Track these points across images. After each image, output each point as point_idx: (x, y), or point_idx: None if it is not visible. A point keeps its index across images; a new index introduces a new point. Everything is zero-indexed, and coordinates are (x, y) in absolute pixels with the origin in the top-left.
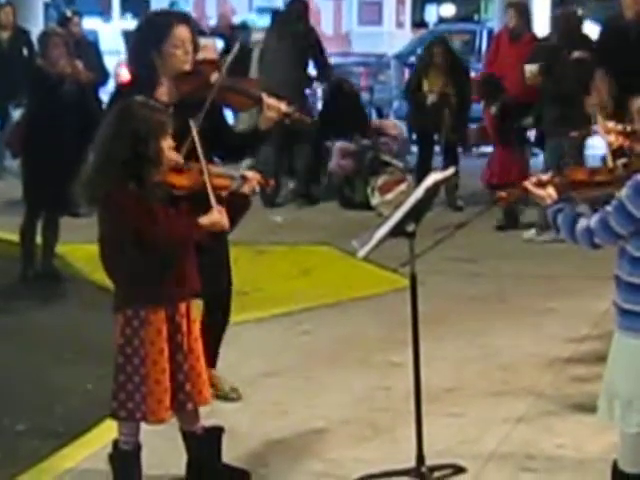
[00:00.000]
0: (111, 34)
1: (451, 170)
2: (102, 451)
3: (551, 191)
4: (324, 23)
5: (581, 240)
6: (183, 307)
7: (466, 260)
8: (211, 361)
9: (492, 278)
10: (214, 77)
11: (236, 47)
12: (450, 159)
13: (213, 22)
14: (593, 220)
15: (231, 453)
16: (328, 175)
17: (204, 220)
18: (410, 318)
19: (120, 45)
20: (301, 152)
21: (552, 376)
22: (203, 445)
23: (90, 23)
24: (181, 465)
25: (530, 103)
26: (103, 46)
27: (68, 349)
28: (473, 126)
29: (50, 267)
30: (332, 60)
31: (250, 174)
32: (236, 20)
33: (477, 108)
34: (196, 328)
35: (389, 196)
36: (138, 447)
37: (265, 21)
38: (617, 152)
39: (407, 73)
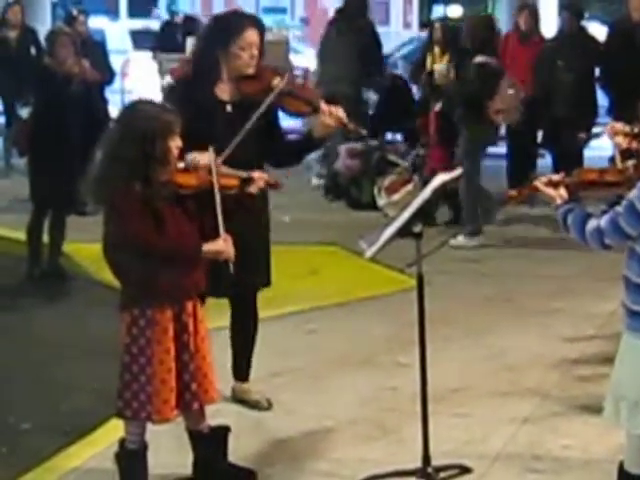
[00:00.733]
0: (118, 33)
1: (459, 171)
2: (108, 450)
3: (562, 191)
4: None
5: (591, 241)
6: (190, 306)
7: (473, 260)
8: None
9: (498, 278)
10: (275, 82)
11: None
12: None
13: None
14: (603, 221)
15: (237, 452)
16: (334, 175)
17: (209, 247)
18: (417, 318)
19: (127, 44)
20: None
21: (558, 377)
22: (209, 444)
23: (97, 22)
24: (187, 464)
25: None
26: (110, 45)
27: (74, 348)
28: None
29: (56, 266)
30: None
31: (257, 174)
32: None
33: None
34: (203, 328)
35: (395, 197)
36: (144, 446)
37: (269, 21)
38: (625, 153)
39: None
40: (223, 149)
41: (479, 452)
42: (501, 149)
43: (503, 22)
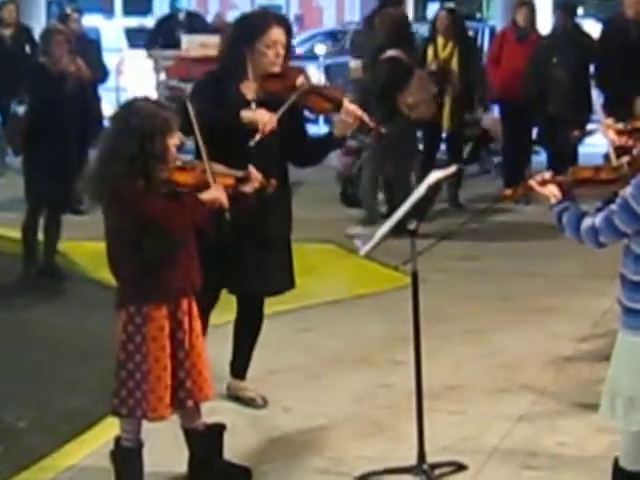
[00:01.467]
0: (113, 31)
1: (453, 168)
2: (104, 448)
3: (555, 190)
4: (326, 18)
5: (586, 239)
6: (185, 304)
7: (467, 258)
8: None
9: (494, 276)
10: (299, 81)
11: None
12: (453, 151)
13: (209, 19)
14: (598, 218)
15: (233, 450)
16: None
17: (204, 196)
18: (412, 316)
19: (122, 43)
20: None
21: (554, 374)
22: (205, 442)
23: (92, 20)
24: (183, 462)
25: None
26: (105, 43)
27: (69, 346)
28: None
29: (52, 264)
30: None
31: (252, 174)
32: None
33: None
34: (198, 325)
35: None
36: (140, 444)
37: None
38: (618, 150)
39: None
40: (246, 146)
41: (475, 449)
42: None
43: (498, 19)
